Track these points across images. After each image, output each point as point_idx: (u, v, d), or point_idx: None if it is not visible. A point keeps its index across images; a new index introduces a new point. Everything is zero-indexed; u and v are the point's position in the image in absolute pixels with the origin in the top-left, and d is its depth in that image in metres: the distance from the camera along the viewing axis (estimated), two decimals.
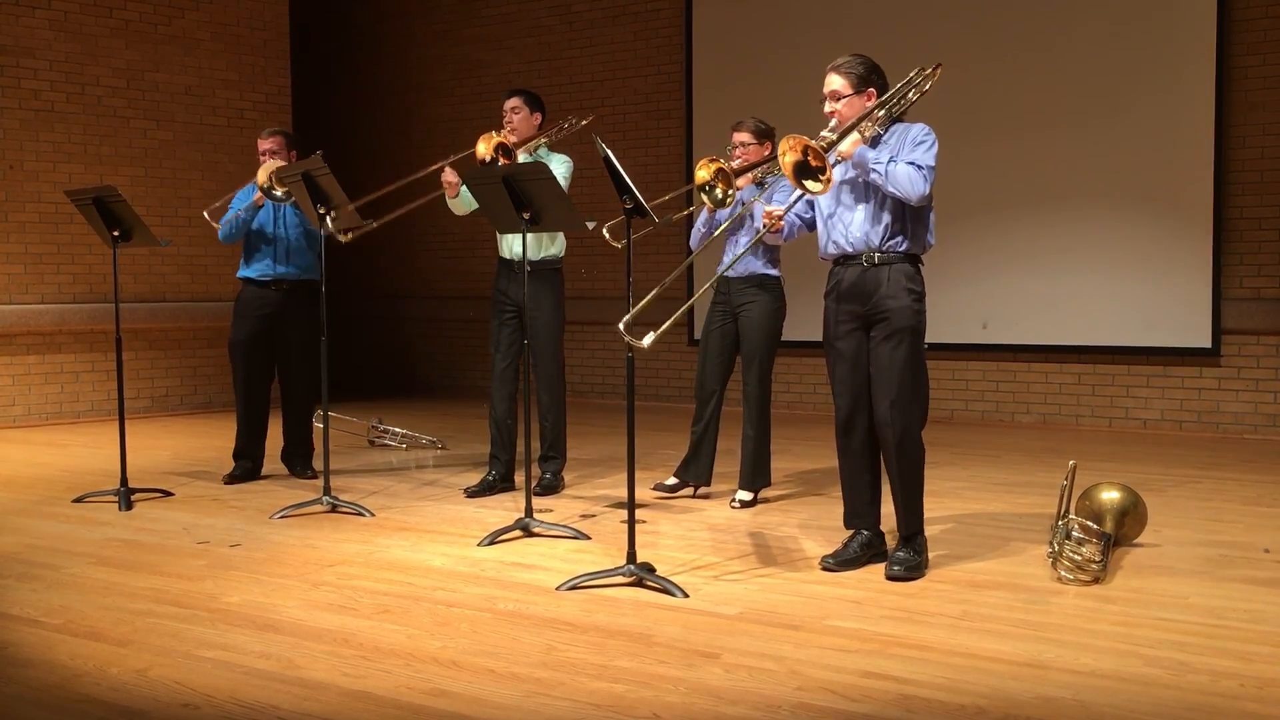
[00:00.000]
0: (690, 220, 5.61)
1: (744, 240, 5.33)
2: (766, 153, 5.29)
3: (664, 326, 3.96)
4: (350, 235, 5.43)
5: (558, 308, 5.70)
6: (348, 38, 11.68)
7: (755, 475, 5.41)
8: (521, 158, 5.45)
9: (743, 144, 5.33)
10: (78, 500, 5.57)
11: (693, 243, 5.53)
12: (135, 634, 3.49)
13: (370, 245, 10.97)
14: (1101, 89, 7.99)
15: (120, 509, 5.36)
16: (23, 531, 4.94)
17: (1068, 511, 4.16)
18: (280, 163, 5.77)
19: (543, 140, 5.65)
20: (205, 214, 6.08)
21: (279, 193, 5.66)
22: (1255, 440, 7.50)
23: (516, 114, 5.64)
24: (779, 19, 9.20)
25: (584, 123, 5.78)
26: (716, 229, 5.34)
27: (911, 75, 4.15)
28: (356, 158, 11.08)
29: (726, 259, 5.36)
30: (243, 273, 6.09)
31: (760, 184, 5.27)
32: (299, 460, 6.16)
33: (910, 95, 4.15)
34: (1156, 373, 7.97)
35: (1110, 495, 4.47)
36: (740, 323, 5.38)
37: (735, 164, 4.96)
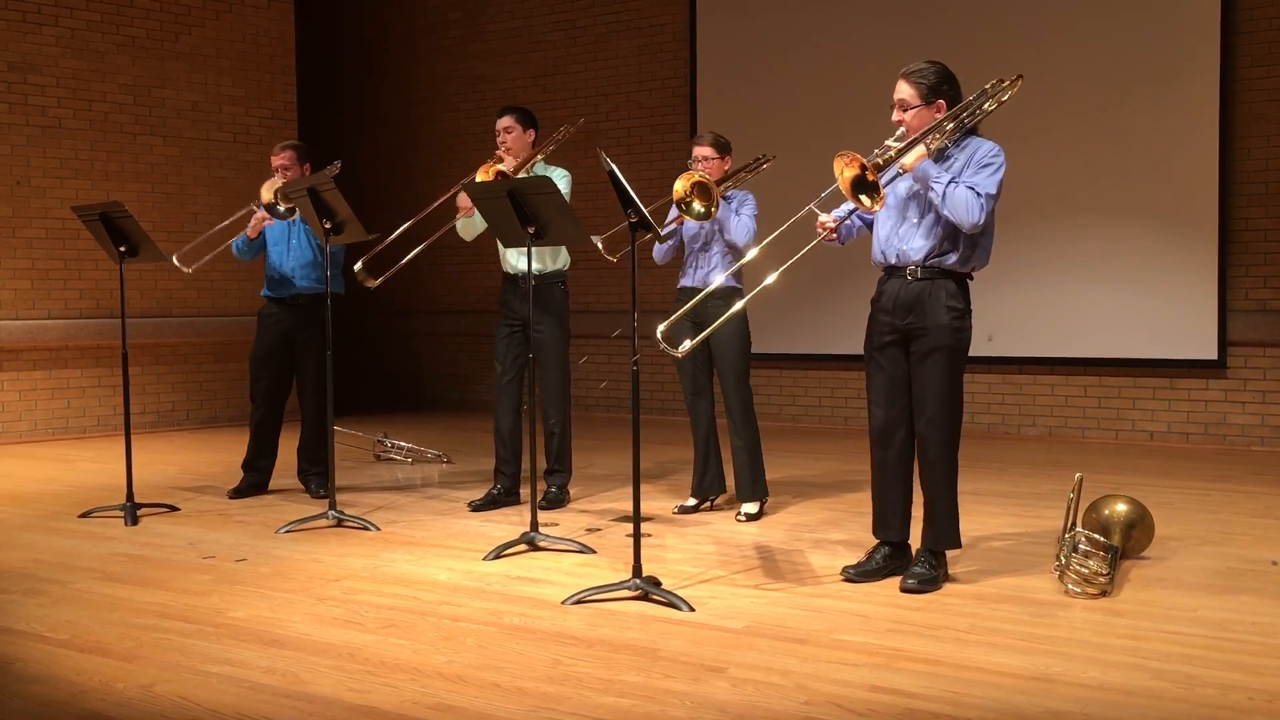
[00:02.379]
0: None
1: (715, 254, 5.35)
2: (727, 167, 5.36)
3: (700, 337, 4.17)
4: (378, 281, 5.64)
5: (562, 322, 5.70)
6: (352, 53, 11.73)
7: (754, 486, 5.40)
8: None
9: (704, 158, 5.33)
10: (84, 515, 5.58)
11: (656, 255, 5.51)
12: (141, 649, 3.48)
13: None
14: (1105, 101, 8.00)
15: (126, 524, 5.37)
16: (29, 547, 4.95)
17: (1075, 524, 4.15)
18: (280, 181, 5.80)
19: (539, 157, 5.64)
20: (175, 259, 5.99)
21: (282, 209, 5.70)
22: (1262, 452, 7.48)
23: (510, 133, 5.63)
24: (783, 33, 9.23)
25: (573, 128, 5.77)
26: (680, 240, 5.44)
27: (986, 87, 4.03)
28: (361, 172, 11.11)
29: (693, 273, 5.41)
30: (264, 291, 6.17)
31: (725, 198, 5.30)
32: (315, 479, 6.08)
33: (986, 105, 4.02)
34: (1163, 385, 7.95)
35: (1117, 508, 4.46)
36: (710, 338, 5.28)
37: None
